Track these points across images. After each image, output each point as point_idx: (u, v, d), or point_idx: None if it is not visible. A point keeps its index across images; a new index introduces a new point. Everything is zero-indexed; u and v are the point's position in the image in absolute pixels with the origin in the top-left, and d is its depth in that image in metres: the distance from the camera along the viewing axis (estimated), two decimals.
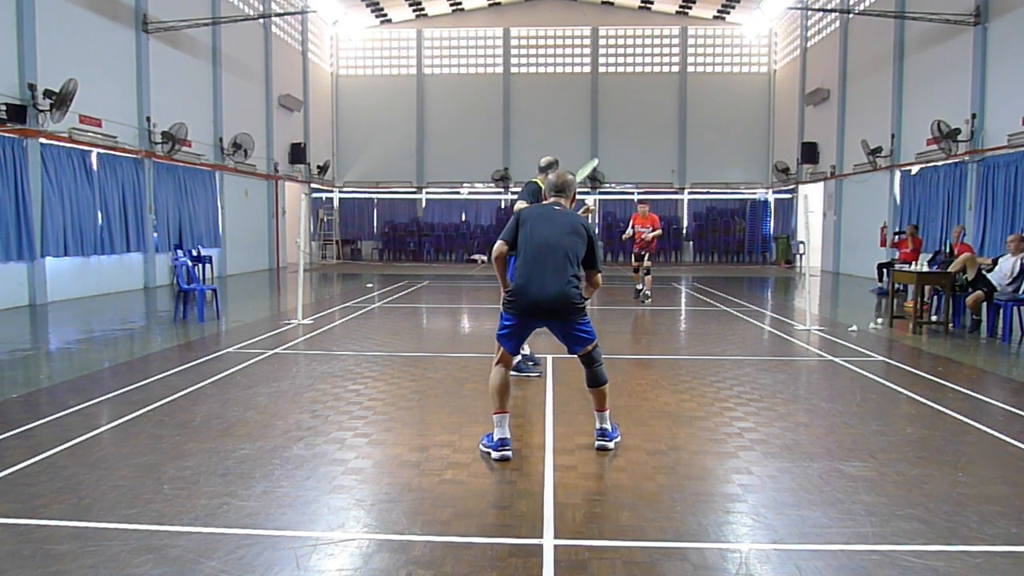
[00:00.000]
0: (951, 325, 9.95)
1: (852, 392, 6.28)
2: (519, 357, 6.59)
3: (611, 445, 4.63)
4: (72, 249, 13.64)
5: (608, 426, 4.69)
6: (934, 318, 10.49)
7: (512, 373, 5.26)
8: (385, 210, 29.60)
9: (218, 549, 3.13)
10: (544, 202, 4.89)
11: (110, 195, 14.80)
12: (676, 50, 28.97)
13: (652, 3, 28.31)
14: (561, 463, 4.32)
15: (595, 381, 4.63)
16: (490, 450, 4.49)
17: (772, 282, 19.62)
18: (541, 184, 6.04)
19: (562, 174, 4.90)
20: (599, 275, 4.73)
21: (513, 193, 28.61)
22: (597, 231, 7.20)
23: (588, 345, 4.63)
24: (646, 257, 13.45)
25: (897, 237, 15.62)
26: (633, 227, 13.42)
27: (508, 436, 4.48)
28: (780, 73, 28.22)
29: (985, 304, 9.69)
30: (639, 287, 13.56)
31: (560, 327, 4.60)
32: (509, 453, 4.43)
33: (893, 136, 18.83)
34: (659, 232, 13.59)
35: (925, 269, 10.78)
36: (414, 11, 28.65)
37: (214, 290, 11.19)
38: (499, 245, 4.62)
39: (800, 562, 3.06)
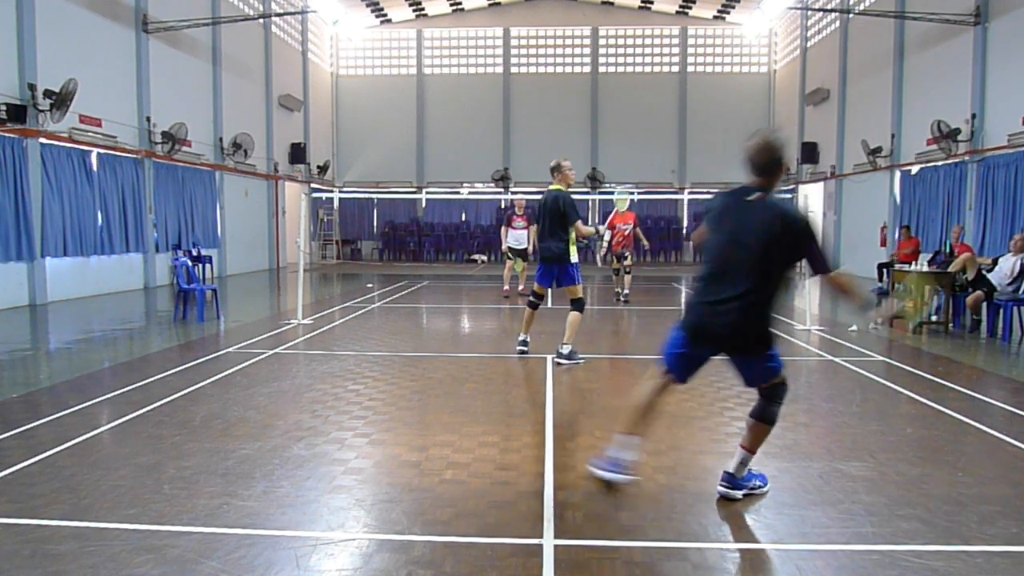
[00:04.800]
0: (951, 325, 9.96)
1: (852, 392, 6.28)
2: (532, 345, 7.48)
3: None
4: (72, 249, 13.63)
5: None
6: (934, 318, 10.49)
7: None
8: (385, 210, 29.58)
9: (218, 549, 3.13)
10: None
11: (110, 195, 14.80)
12: (676, 50, 28.97)
13: (652, 3, 28.31)
14: (561, 463, 4.32)
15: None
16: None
17: None
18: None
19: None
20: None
21: (513, 193, 28.62)
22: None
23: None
24: (628, 258, 13.33)
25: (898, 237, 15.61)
26: (613, 226, 13.19)
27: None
28: (780, 73, 28.21)
29: (985, 304, 9.69)
30: (618, 290, 13.42)
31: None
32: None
33: (893, 136, 18.82)
34: (635, 227, 13.45)
35: (925, 269, 10.77)
36: (414, 11, 28.65)
37: (214, 290, 11.18)
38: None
39: (800, 562, 3.06)
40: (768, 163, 3.55)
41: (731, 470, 3.71)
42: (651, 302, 13.74)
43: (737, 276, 3.41)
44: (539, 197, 7.88)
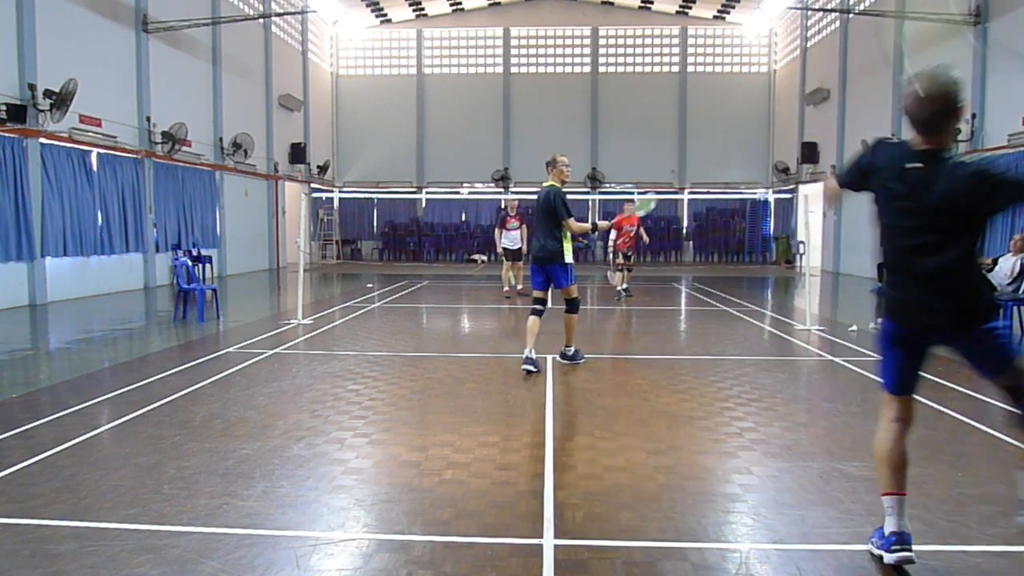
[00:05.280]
0: None
1: (852, 392, 6.28)
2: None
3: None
4: (72, 249, 13.64)
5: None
6: None
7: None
8: (385, 210, 29.59)
9: (218, 549, 3.13)
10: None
11: (110, 195, 14.80)
12: (676, 50, 28.98)
13: (652, 3, 28.31)
14: (561, 463, 4.32)
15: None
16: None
17: (772, 282, 19.62)
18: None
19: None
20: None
21: (513, 193, 28.65)
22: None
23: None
24: (632, 258, 13.82)
25: None
26: (620, 227, 13.46)
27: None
28: (780, 73, 28.21)
29: None
30: (620, 288, 13.77)
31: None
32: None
33: (893, 136, 18.80)
34: (638, 228, 13.93)
35: None
36: (414, 11, 28.65)
37: (214, 290, 11.18)
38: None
39: (800, 562, 3.06)
40: (938, 116, 2.73)
41: None
42: (651, 302, 13.74)
43: (927, 249, 2.79)
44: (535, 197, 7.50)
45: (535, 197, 7.34)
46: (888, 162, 2.90)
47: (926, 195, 2.76)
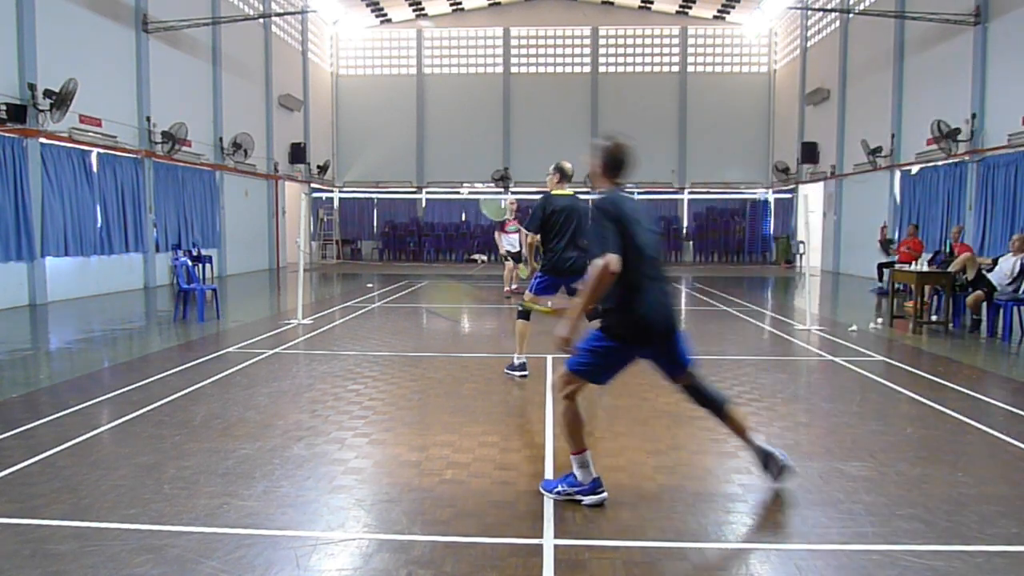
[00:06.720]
0: (951, 325, 9.95)
1: (852, 392, 6.28)
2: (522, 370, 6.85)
3: None
4: (72, 249, 13.64)
5: None
6: (934, 318, 10.49)
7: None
8: (385, 210, 29.59)
9: (218, 549, 3.13)
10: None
11: (110, 195, 14.80)
12: (676, 50, 28.98)
13: (652, 3, 28.31)
14: (561, 463, 4.31)
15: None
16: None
17: (772, 282, 19.61)
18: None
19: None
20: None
21: (513, 193, 28.65)
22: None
23: None
24: None
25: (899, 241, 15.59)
26: None
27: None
28: (780, 73, 28.22)
29: (985, 304, 9.69)
30: None
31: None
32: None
33: (893, 136, 18.82)
34: None
35: (925, 269, 10.78)
36: (414, 11, 28.65)
37: (214, 290, 11.18)
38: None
39: (800, 562, 3.06)
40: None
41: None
42: None
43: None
44: (536, 197, 7.01)
45: (534, 198, 7.10)
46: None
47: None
